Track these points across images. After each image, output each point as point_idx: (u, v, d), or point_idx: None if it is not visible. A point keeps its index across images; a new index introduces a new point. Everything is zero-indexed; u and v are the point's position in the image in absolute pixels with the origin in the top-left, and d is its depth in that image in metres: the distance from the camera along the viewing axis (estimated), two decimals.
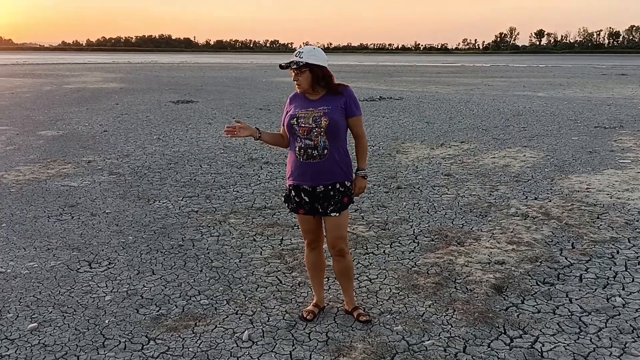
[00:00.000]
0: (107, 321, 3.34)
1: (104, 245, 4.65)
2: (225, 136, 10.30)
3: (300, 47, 3.26)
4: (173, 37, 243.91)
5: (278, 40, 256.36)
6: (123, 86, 23.65)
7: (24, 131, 10.91)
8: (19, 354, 2.99)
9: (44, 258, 4.34)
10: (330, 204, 3.12)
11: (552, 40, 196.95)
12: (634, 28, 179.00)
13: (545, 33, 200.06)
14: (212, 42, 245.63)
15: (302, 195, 3.13)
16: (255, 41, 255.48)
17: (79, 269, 4.14)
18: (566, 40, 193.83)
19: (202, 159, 8.31)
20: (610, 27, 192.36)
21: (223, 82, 27.42)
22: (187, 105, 16.08)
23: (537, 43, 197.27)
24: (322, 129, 3.03)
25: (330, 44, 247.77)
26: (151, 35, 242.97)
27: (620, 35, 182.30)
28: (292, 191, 3.16)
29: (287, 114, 3.17)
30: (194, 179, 7.03)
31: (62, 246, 4.61)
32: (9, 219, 5.31)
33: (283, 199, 3.33)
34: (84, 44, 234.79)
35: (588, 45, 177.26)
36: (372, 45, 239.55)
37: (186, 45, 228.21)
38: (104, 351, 3.02)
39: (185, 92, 20.65)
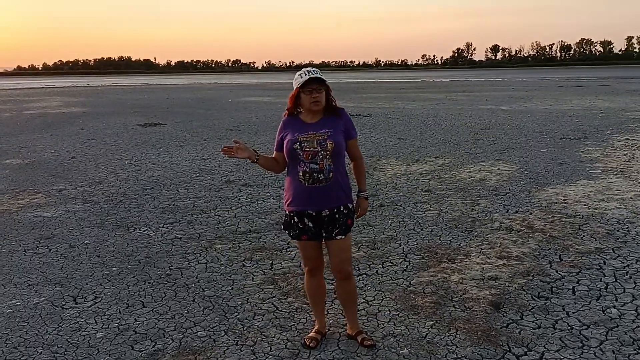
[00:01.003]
0: None
1: (88, 278, 4.47)
2: (223, 155, 10.17)
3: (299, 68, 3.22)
4: (133, 59, 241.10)
5: (240, 60, 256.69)
6: (86, 110, 23.15)
7: None
8: None
9: (26, 295, 4.14)
10: (336, 227, 3.08)
11: (507, 55, 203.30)
12: (584, 41, 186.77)
13: (500, 48, 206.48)
14: (173, 63, 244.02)
15: (306, 220, 3.08)
16: (217, 61, 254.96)
17: (64, 305, 3.96)
18: (520, 54, 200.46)
19: (179, 183, 8.15)
20: (561, 41, 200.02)
21: (189, 103, 27.16)
22: (155, 128, 15.83)
23: (493, 58, 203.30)
24: (328, 152, 3.00)
25: (292, 62, 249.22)
26: (110, 57, 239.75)
27: (572, 48, 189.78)
28: (295, 217, 3.10)
29: (284, 139, 3.10)
30: (173, 204, 6.87)
31: (43, 281, 4.41)
32: None
33: (282, 226, 3.26)
34: (40, 68, 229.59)
35: (541, 59, 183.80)
36: (333, 63, 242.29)
37: (147, 67, 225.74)
38: None
39: (151, 114, 20.34)
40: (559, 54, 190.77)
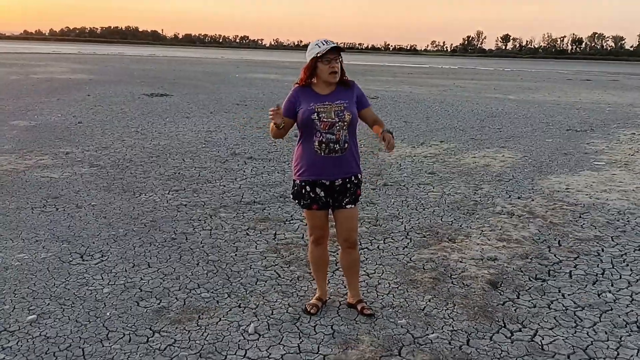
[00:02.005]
0: (108, 314, 3.27)
1: (94, 237, 4.56)
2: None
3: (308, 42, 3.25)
4: (140, 29, 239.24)
5: (248, 36, 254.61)
6: (92, 77, 23.10)
7: None
8: (21, 345, 2.90)
9: (34, 250, 4.22)
10: (346, 197, 3.15)
11: (518, 45, 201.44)
12: (596, 35, 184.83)
13: (510, 38, 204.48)
14: (180, 36, 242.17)
15: (318, 190, 3.14)
16: (224, 36, 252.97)
17: (71, 261, 4.05)
18: (531, 45, 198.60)
19: (185, 152, 8.21)
20: (573, 34, 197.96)
21: (195, 76, 27.07)
22: (162, 98, 15.82)
23: (503, 47, 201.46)
24: (345, 123, 3.05)
25: (301, 41, 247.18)
26: (117, 27, 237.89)
27: (583, 41, 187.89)
28: (307, 187, 3.16)
29: (299, 107, 3.13)
30: (179, 173, 6.94)
31: (51, 238, 4.49)
32: None
33: (292, 195, 3.32)
34: (47, 34, 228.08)
35: (552, 51, 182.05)
36: (342, 44, 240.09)
37: (154, 38, 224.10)
38: (109, 343, 2.96)
39: (158, 85, 20.30)
40: (570, 47, 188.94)
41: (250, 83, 23.51)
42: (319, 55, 3.05)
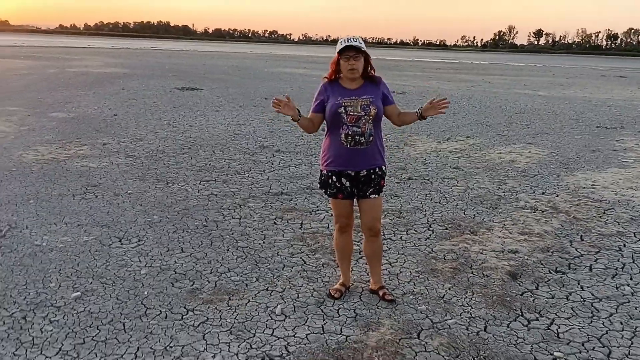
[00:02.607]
0: (145, 293, 3.51)
1: (131, 223, 4.82)
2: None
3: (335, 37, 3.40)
4: (172, 24, 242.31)
5: (277, 31, 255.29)
6: (126, 71, 23.65)
7: (35, 112, 11.01)
8: (67, 319, 3.16)
9: (76, 233, 4.50)
10: (370, 187, 3.31)
11: (551, 40, 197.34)
12: (632, 31, 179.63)
13: (543, 33, 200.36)
14: (210, 31, 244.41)
15: (344, 180, 3.31)
16: (254, 31, 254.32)
17: (110, 244, 4.31)
18: (564, 40, 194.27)
19: (215, 145, 8.46)
20: (608, 29, 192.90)
21: (225, 70, 27.45)
22: (192, 92, 16.16)
23: (536, 42, 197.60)
24: (371, 117, 3.21)
25: (329, 36, 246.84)
26: (149, 22, 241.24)
27: (619, 37, 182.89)
28: (333, 177, 3.33)
29: (327, 102, 3.30)
30: (209, 164, 7.18)
31: (91, 223, 4.77)
32: (35, 196, 5.46)
33: (319, 184, 3.49)
34: (81, 28, 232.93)
35: (586, 47, 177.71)
36: (370, 39, 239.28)
37: (184, 33, 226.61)
38: (147, 319, 3.19)
39: (188, 79, 20.68)
40: (604, 43, 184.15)
41: (279, 77, 23.75)
42: (338, 51, 3.22)
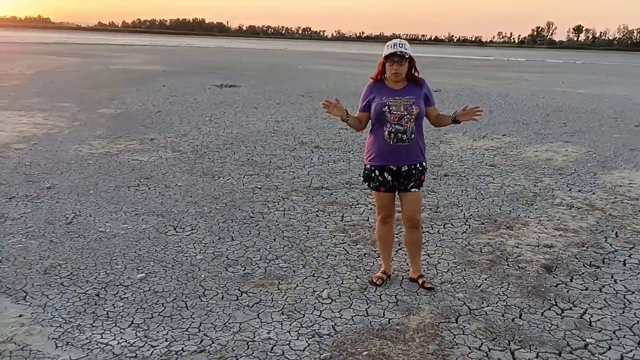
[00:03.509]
0: (202, 276, 3.82)
1: (184, 213, 5.16)
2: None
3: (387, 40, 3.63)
4: (206, 21, 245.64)
5: (310, 28, 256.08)
6: (165, 69, 24.33)
7: (85, 108, 11.56)
8: (135, 297, 3.49)
9: (135, 221, 4.86)
10: (411, 181, 3.54)
11: (591, 37, 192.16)
12: None
13: (583, 29, 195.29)
14: (244, 28, 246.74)
15: (386, 174, 3.55)
16: (287, 28, 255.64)
17: (167, 232, 4.65)
18: (605, 37, 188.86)
19: (256, 141, 8.78)
20: None
21: (261, 67, 27.91)
22: (230, 89, 16.59)
23: (575, 39, 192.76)
24: (413, 116, 3.44)
25: (362, 32, 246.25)
26: (185, 19, 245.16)
27: None
28: (376, 171, 3.57)
29: (373, 101, 3.54)
30: (252, 159, 7.50)
31: (147, 212, 5.13)
32: (94, 187, 5.87)
33: (363, 178, 3.74)
34: (119, 25, 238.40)
35: (627, 43, 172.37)
36: (404, 36, 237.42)
37: (219, 30, 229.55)
38: (206, 299, 3.50)
39: (226, 76, 21.17)
40: None
41: (314, 75, 24.04)
42: (384, 55, 3.45)
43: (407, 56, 3.45)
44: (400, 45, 3.45)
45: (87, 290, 3.56)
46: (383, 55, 3.50)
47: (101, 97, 13.45)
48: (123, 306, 3.38)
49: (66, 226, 4.70)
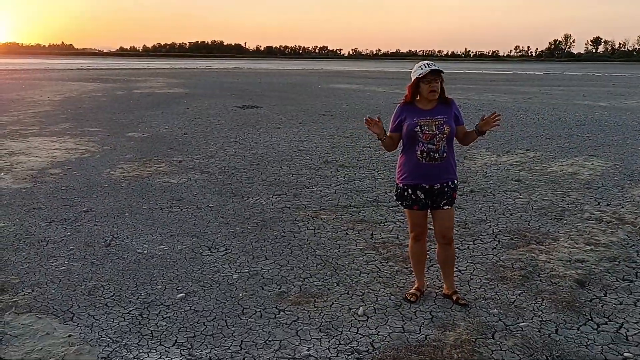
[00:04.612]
0: (240, 295, 3.92)
1: (217, 234, 5.28)
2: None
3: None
4: (225, 43, 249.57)
5: (327, 47, 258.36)
6: (188, 91, 24.80)
7: (113, 133, 11.88)
8: (177, 316, 3.60)
9: (170, 243, 5.00)
10: (444, 199, 3.61)
11: (610, 48, 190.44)
12: None
13: (602, 41, 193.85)
14: (262, 48, 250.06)
15: (419, 193, 3.63)
16: (304, 47, 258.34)
17: (202, 252, 4.78)
18: (624, 48, 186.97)
19: (281, 160, 8.93)
20: None
21: (280, 87, 28.28)
22: (252, 110, 16.86)
23: (594, 51, 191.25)
24: (445, 135, 3.53)
25: (379, 50, 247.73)
26: (204, 41, 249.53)
27: None
28: (409, 189, 3.66)
29: (404, 122, 3.64)
30: (279, 179, 7.63)
31: (182, 233, 5.27)
32: (129, 210, 6.04)
33: (395, 197, 3.83)
34: (140, 50, 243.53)
35: None
36: (421, 52, 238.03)
37: (237, 51, 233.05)
38: (245, 318, 3.60)
39: (247, 97, 21.51)
40: None
41: (333, 94, 24.27)
42: (420, 76, 3.54)
43: (442, 73, 3.56)
44: (434, 65, 3.56)
45: (130, 310, 3.69)
46: (415, 77, 3.60)
47: (128, 122, 13.79)
48: (166, 325, 3.49)
49: (105, 248, 4.86)
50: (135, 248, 4.86)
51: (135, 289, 4.03)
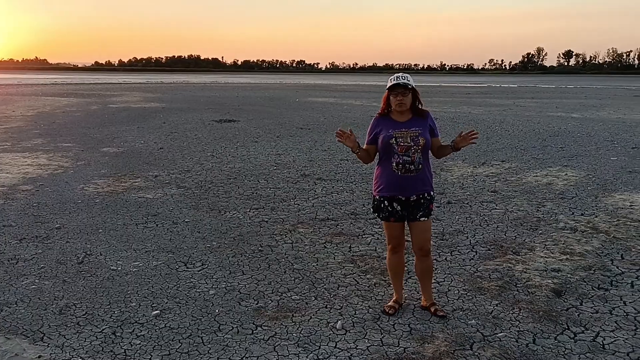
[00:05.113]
0: (217, 311, 3.85)
1: (193, 249, 5.20)
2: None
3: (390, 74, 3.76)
4: (202, 57, 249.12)
5: (304, 60, 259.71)
6: (164, 105, 24.61)
7: (87, 148, 11.69)
8: (152, 334, 3.52)
9: (145, 259, 4.91)
10: (420, 210, 3.61)
11: (581, 61, 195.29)
12: None
13: (573, 53, 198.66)
14: (239, 62, 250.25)
15: (395, 205, 3.63)
16: (281, 61, 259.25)
17: (178, 268, 4.69)
18: (595, 60, 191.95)
19: (259, 174, 8.88)
20: None
21: (258, 101, 28.25)
22: (230, 124, 16.79)
23: (565, 63, 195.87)
24: (420, 147, 3.54)
25: (356, 64, 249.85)
26: (181, 56, 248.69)
27: None
28: (385, 201, 3.65)
29: (380, 134, 3.65)
30: (256, 193, 7.58)
31: (157, 249, 5.18)
32: (103, 226, 5.92)
33: (372, 209, 3.82)
34: (116, 64, 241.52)
35: (617, 66, 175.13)
36: (397, 66, 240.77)
37: (214, 65, 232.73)
38: (221, 334, 3.53)
39: (224, 111, 21.43)
40: (636, 62, 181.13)
41: (311, 107, 24.34)
42: (387, 88, 3.59)
43: (409, 87, 3.58)
44: (403, 78, 3.58)
45: (103, 329, 3.59)
46: (386, 88, 3.63)
47: (103, 136, 13.60)
48: (140, 344, 3.40)
49: (78, 266, 4.74)
50: (109, 265, 4.75)
51: (109, 306, 3.93)
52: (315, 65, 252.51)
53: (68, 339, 3.46)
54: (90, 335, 3.51)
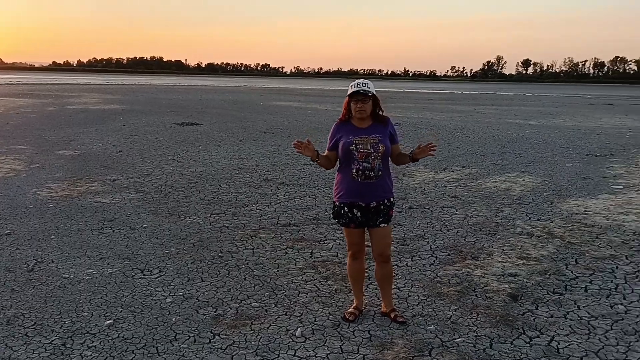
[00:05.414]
0: (173, 319, 3.75)
1: (151, 255, 5.07)
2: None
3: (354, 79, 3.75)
4: (164, 59, 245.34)
5: (269, 64, 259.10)
6: (124, 108, 24.09)
7: (42, 150, 11.30)
8: (104, 345, 3.39)
9: (100, 266, 4.75)
10: (380, 217, 3.61)
11: (538, 70, 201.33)
12: (619, 59, 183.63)
13: (531, 62, 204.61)
14: (203, 65, 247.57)
15: (355, 211, 3.61)
16: (246, 64, 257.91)
17: (134, 275, 4.56)
18: (552, 69, 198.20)
19: (220, 179, 8.75)
20: (595, 58, 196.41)
21: (222, 105, 27.98)
22: (192, 127, 16.55)
23: (524, 72, 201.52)
24: (380, 154, 3.53)
25: (321, 68, 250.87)
26: (142, 57, 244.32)
27: (605, 65, 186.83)
28: (345, 207, 3.64)
29: (339, 140, 3.63)
30: (217, 197, 7.46)
31: (113, 256, 5.02)
32: (56, 232, 5.71)
33: (332, 215, 3.80)
34: (75, 65, 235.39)
35: (573, 75, 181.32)
36: (361, 71, 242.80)
37: (178, 68, 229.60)
38: (177, 344, 3.43)
39: (187, 114, 21.13)
40: (591, 71, 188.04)
41: (275, 111, 24.24)
42: (348, 94, 3.58)
43: (370, 94, 3.57)
44: (364, 85, 3.57)
45: (52, 340, 3.44)
46: (347, 95, 3.62)
47: (59, 139, 13.18)
48: (91, 355, 3.28)
49: (28, 274, 4.55)
50: (60, 273, 4.58)
51: (59, 316, 3.78)
52: (280, 69, 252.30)
53: (15, 351, 3.31)
54: (38, 346, 3.37)
